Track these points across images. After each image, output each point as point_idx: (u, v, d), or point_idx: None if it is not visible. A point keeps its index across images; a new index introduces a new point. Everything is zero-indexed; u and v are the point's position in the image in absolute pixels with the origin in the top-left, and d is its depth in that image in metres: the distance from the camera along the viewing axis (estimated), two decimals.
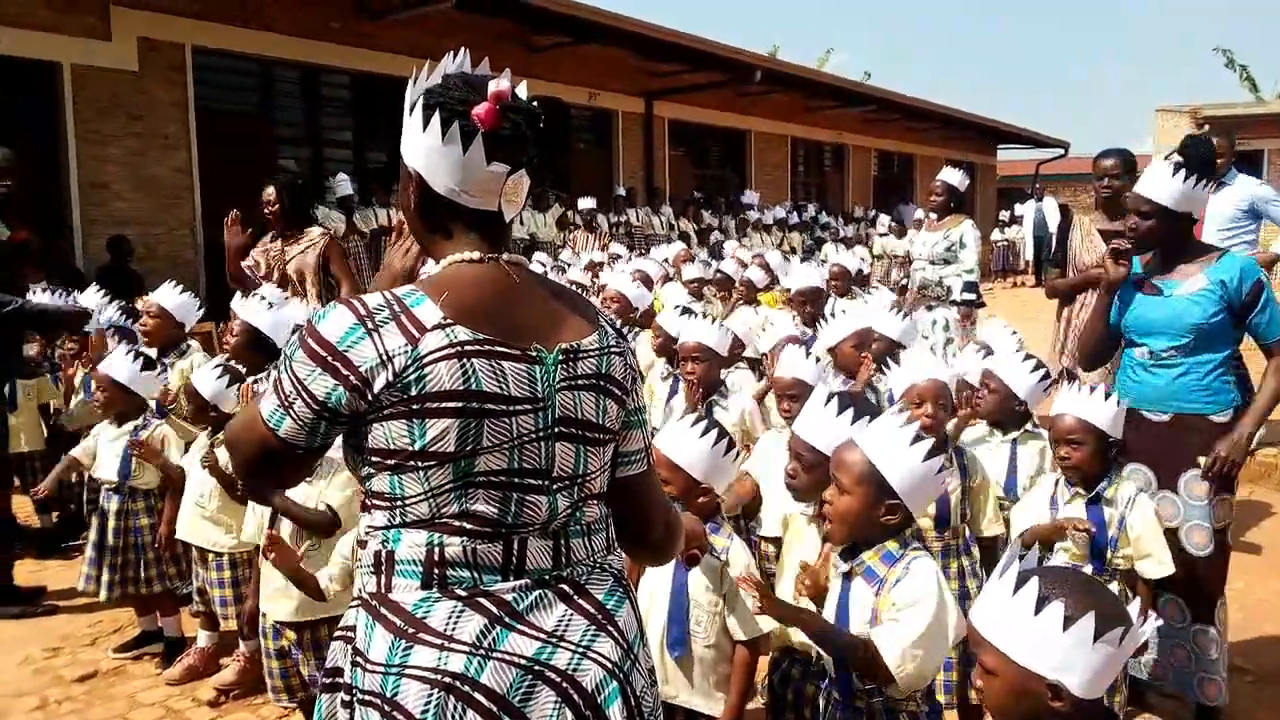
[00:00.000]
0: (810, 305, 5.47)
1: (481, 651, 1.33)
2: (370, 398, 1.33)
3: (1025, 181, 25.31)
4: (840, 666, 2.10)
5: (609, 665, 1.41)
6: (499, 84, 1.41)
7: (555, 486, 1.41)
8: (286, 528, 3.11)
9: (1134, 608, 1.51)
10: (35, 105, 8.76)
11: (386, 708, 1.32)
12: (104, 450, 3.88)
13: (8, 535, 4.64)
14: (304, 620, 3.05)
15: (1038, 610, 1.45)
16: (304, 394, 1.34)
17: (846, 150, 20.98)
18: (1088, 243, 4.63)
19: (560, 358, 1.41)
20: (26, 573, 4.76)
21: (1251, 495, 5.62)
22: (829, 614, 2.14)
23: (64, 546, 5.20)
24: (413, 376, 1.32)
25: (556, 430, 1.41)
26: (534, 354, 1.39)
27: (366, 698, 1.35)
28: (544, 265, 9.04)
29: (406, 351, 1.32)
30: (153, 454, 3.68)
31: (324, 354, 1.33)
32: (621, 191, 14.07)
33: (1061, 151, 24.47)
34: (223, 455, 3.55)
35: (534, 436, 1.39)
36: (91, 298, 5.59)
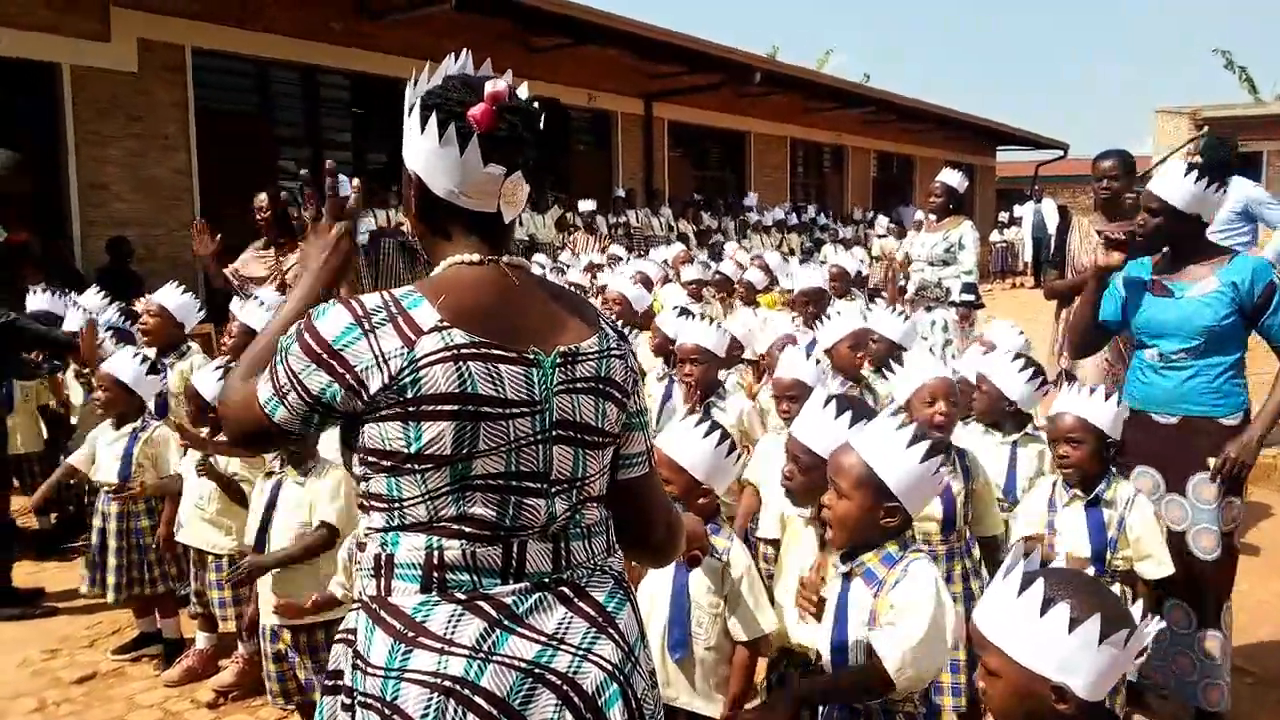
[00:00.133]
0: (813, 306, 5.47)
1: (481, 655, 1.33)
2: (366, 398, 1.33)
3: (1024, 183, 25.29)
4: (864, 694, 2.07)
5: (610, 668, 1.40)
6: (495, 85, 1.40)
7: (554, 489, 1.41)
8: (285, 527, 3.11)
9: (1137, 609, 1.50)
10: (34, 106, 8.76)
11: (387, 711, 1.32)
12: (103, 453, 3.88)
13: (6, 537, 4.64)
14: (300, 624, 3.05)
15: (1043, 611, 1.44)
16: (298, 387, 1.35)
17: (846, 151, 20.99)
18: (1086, 244, 4.64)
19: (558, 361, 1.41)
20: (25, 574, 4.76)
21: (1251, 496, 5.61)
22: (828, 615, 2.14)
23: (62, 548, 5.20)
24: (408, 379, 1.32)
25: (554, 433, 1.40)
26: (531, 357, 1.39)
27: (367, 701, 1.35)
28: (543, 267, 9.05)
29: (403, 354, 1.32)
30: (155, 489, 3.70)
31: (319, 351, 1.34)
32: (621, 193, 14.07)
33: (1061, 153, 24.48)
34: (220, 459, 3.56)
35: (531, 439, 1.38)
36: (91, 299, 5.59)
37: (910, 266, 6.33)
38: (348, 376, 1.33)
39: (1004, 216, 23.03)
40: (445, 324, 1.35)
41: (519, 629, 1.36)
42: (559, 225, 12.51)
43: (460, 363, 1.33)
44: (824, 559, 2.40)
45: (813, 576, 2.30)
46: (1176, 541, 3.09)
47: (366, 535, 1.43)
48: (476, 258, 1.43)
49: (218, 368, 3.68)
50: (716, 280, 7.75)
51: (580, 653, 1.39)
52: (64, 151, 8.83)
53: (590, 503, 1.47)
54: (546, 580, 1.40)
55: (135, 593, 3.86)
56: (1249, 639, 3.78)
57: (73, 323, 5.37)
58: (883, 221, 17.27)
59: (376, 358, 1.32)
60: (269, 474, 3.26)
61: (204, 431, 3.71)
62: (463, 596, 1.35)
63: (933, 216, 6.37)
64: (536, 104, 1.46)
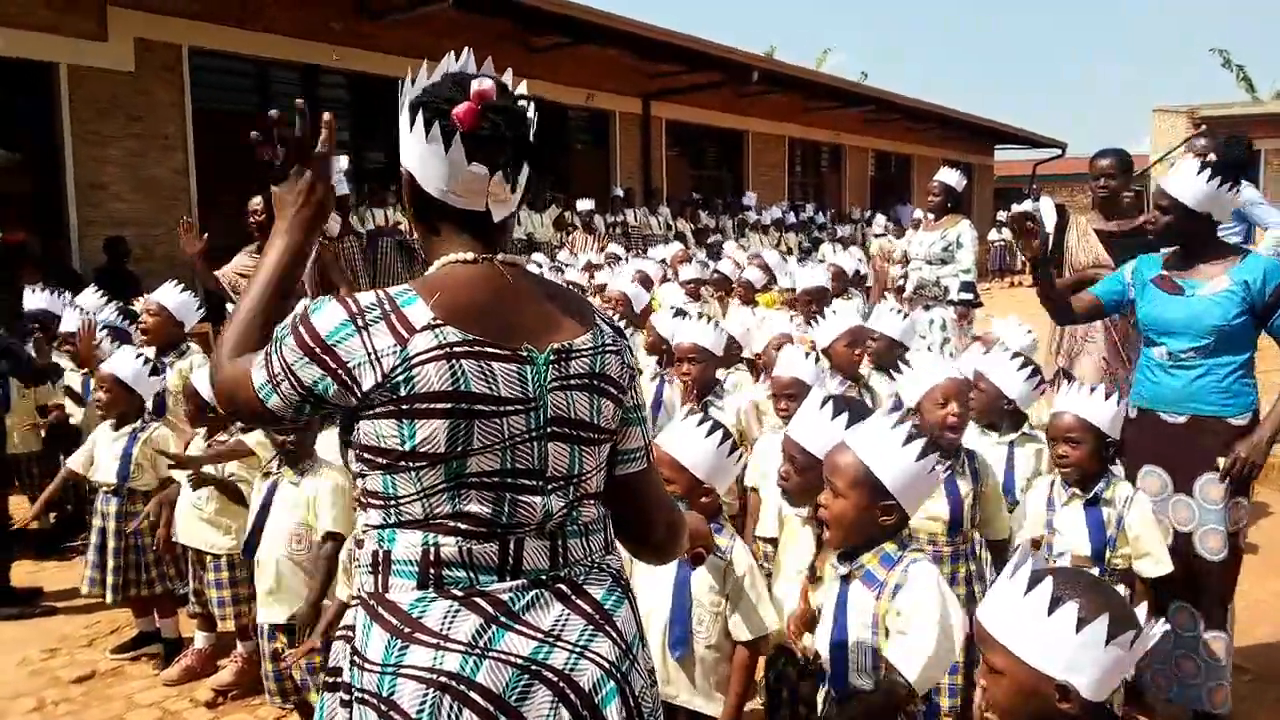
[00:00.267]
0: (816, 305, 5.46)
1: (477, 651, 1.33)
2: (359, 395, 1.33)
3: (1022, 181, 25.30)
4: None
5: (606, 665, 1.40)
6: (481, 84, 1.39)
7: (550, 487, 1.41)
8: (279, 529, 3.11)
9: (1142, 611, 1.50)
10: (32, 106, 8.76)
11: (383, 707, 1.32)
12: (102, 453, 3.87)
13: (5, 537, 4.64)
14: (293, 623, 3.06)
15: (1051, 610, 1.43)
16: (291, 378, 1.35)
17: (844, 151, 21.00)
18: (1084, 243, 4.63)
19: (552, 358, 1.41)
20: (24, 574, 4.76)
21: (1254, 495, 5.62)
22: (826, 618, 2.13)
23: (62, 547, 5.19)
24: (401, 377, 1.32)
25: (549, 430, 1.41)
26: (525, 354, 1.39)
27: (364, 697, 1.35)
28: (540, 266, 9.05)
29: (395, 352, 1.33)
30: (165, 508, 3.59)
31: (312, 345, 1.34)
32: (619, 192, 14.08)
33: (1059, 152, 24.51)
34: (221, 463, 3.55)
35: (526, 437, 1.38)
36: (89, 299, 5.58)
37: (909, 265, 6.34)
38: (340, 372, 1.33)
39: (1002, 215, 23.02)
40: (439, 322, 1.35)
41: (515, 625, 1.36)
42: (557, 224, 12.51)
43: (453, 361, 1.33)
44: (821, 560, 2.41)
45: (802, 613, 2.29)
46: (1183, 543, 3.08)
47: (364, 532, 1.43)
48: (471, 256, 1.43)
49: None
50: (714, 279, 7.75)
51: (577, 650, 1.39)
52: (62, 151, 8.83)
53: (587, 500, 1.47)
54: (544, 577, 1.40)
55: (134, 593, 3.85)
56: (1247, 637, 3.79)
57: (70, 323, 5.37)
58: (880, 220, 17.29)
59: (369, 354, 1.32)
60: (265, 474, 3.26)
61: (202, 431, 3.72)
62: (459, 593, 1.35)
63: (931, 215, 6.38)
64: (531, 102, 1.46)
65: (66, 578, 4.59)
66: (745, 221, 15.50)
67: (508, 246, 1.49)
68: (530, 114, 1.45)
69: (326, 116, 1.56)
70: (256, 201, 5.23)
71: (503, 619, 1.35)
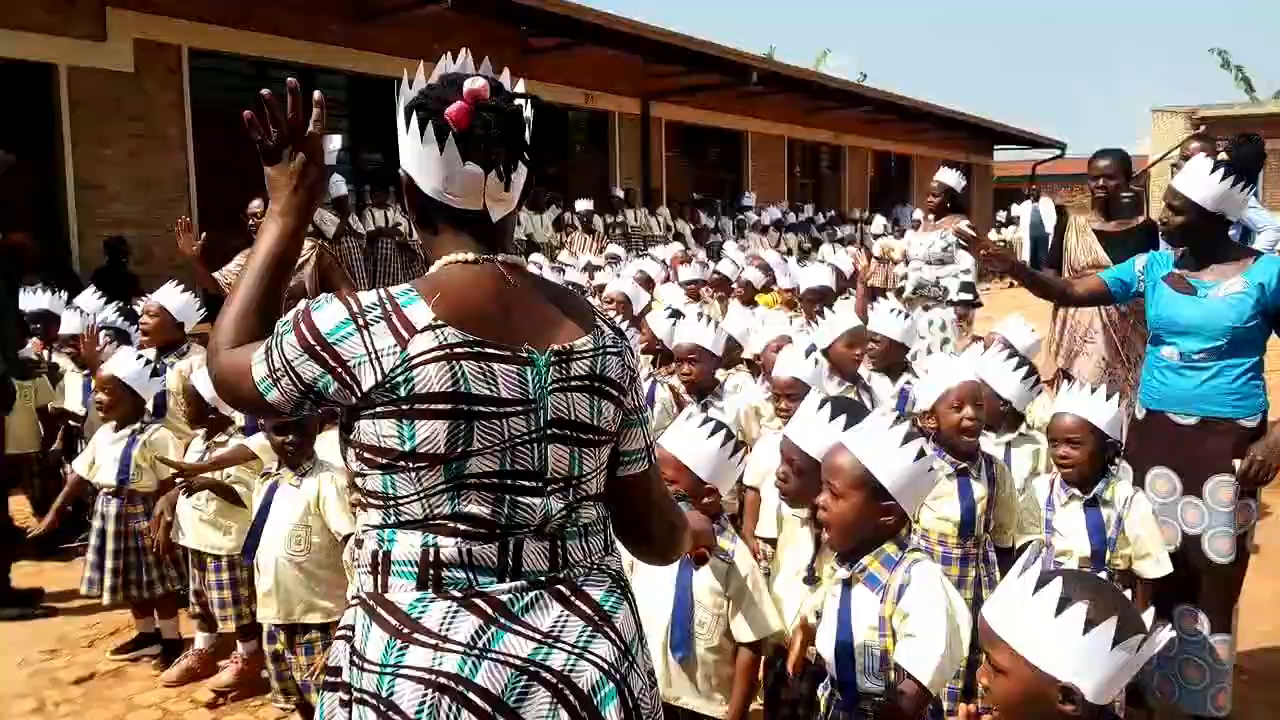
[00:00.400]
0: (819, 305, 5.46)
1: (476, 652, 1.33)
2: (359, 394, 1.33)
3: (1022, 182, 25.34)
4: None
5: (605, 666, 1.40)
6: (474, 83, 1.39)
7: (549, 488, 1.41)
8: (279, 531, 3.11)
9: (1148, 616, 1.49)
10: (31, 107, 8.76)
11: (382, 707, 1.32)
12: (103, 454, 3.87)
13: (5, 537, 4.63)
14: (290, 623, 3.06)
15: (1059, 611, 1.42)
16: (291, 374, 1.36)
17: (843, 151, 21.01)
18: (1083, 243, 4.64)
19: (552, 359, 1.41)
20: (24, 574, 4.75)
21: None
22: (828, 621, 2.12)
23: (62, 548, 5.19)
24: (401, 377, 1.32)
25: (549, 432, 1.40)
26: (525, 355, 1.39)
27: (363, 697, 1.35)
28: (539, 266, 9.05)
29: (395, 352, 1.33)
30: (164, 526, 3.56)
31: (313, 342, 1.34)
32: (619, 192, 14.08)
33: (1058, 152, 24.55)
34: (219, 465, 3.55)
35: (526, 438, 1.38)
36: (88, 300, 5.59)
37: (909, 266, 6.34)
38: (340, 370, 1.33)
39: (1001, 216, 23.06)
40: (439, 322, 1.35)
41: (514, 626, 1.36)
42: (556, 225, 12.52)
43: (453, 361, 1.33)
44: (820, 562, 2.41)
45: (797, 656, 2.28)
46: (1192, 545, 3.06)
47: (364, 532, 1.43)
48: (471, 257, 1.43)
49: None
50: (714, 280, 7.75)
51: (576, 651, 1.38)
52: (60, 152, 8.83)
53: (587, 501, 1.47)
54: (543, 579, 1.40)
55: (134, 594, 3.85)
56: (1245, 636, 3.78)
57: (70, 324, 5.37)
58: (880, 221, 17.29)
59: (369, 354, 1.33)
60: (265, 475, 3.26)
61: (202, 431, 3.72)
62: (458, 594, 1.35)
63: (930, 216, 6.38)
64: (528, 100, 1.45)
65: (67, 578, 4.59)
66: (745, 222, 15.50)
67: (509, 247, 1.49)
68: (527, 113, 1.44)
69: (317, 95, 1.57)
70: (256, 204, 5.22)
71: (502, 620, 1.35)
